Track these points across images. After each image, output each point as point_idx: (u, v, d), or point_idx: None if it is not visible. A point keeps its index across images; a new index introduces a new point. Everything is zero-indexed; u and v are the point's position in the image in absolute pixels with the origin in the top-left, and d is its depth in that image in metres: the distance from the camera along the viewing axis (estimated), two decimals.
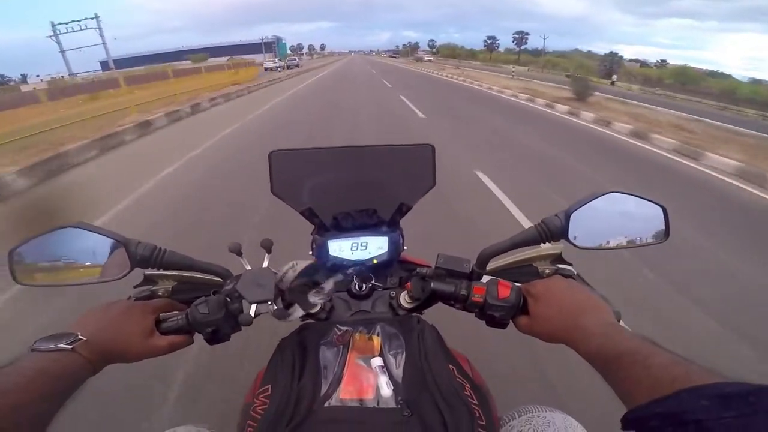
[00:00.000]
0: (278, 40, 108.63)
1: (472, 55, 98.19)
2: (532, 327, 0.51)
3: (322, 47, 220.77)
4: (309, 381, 0.50)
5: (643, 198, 0.55)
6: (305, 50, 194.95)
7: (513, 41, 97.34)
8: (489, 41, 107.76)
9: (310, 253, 0.70)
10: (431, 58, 76.07)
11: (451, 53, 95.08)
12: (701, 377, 0.30)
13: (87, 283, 0.50)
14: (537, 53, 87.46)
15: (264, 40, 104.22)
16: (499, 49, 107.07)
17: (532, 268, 0.67)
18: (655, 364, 0.34)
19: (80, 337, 0.43)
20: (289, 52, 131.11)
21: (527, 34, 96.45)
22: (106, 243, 0.49)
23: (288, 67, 34.72)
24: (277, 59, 43.67)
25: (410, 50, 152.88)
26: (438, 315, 0.67)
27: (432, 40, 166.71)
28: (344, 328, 0.58)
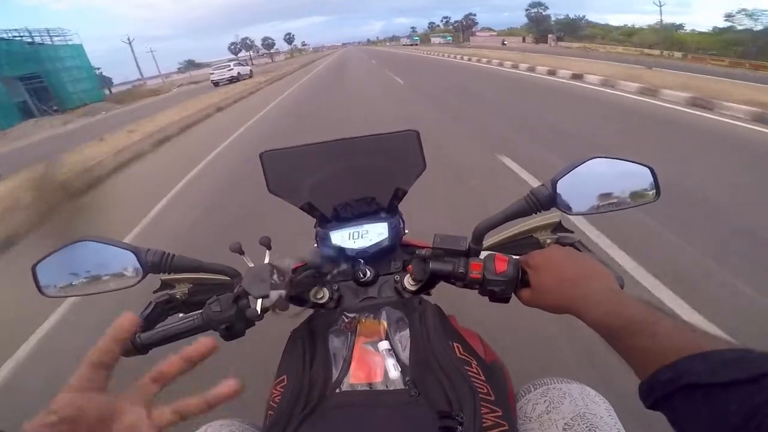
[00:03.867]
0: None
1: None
2: (534, 299, 0.50)
3: (289, 39, 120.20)
4: (320, 368, 0.52)
5: (628, 161, 0.54)
6: (260, 50, 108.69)
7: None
8: None
9: (315, 245, 0.72)
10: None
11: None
12: (707, 343, 0.30)
13: (107, 290, 0.54)
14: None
15: None
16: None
17: (533, 239, 0.67)
18: (660, 332, 0.34)
19: None
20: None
21: None
22: (118, 253, 0.53)
23: None
24: None
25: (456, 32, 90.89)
26: (457, 293, 0.66)
27: None
28: (351, 315, 0.59)
